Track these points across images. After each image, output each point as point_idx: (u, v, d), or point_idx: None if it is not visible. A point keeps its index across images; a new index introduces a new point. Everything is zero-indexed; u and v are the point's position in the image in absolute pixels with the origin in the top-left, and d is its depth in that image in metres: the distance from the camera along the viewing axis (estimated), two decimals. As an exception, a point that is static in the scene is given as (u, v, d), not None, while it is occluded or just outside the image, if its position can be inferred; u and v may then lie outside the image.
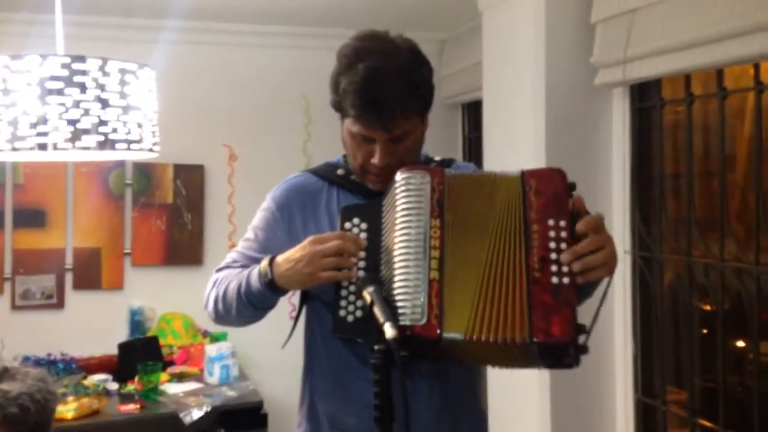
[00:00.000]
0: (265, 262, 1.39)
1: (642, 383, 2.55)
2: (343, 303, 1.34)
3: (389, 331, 1.14)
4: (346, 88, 1.38)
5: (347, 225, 1.38)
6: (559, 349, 1.25)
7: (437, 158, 1.56)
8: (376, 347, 1.16)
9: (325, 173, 1.53)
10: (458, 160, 1.61)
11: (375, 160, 1.41)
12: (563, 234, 1.28)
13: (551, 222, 1.28)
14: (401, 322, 1.21)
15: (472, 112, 3.82)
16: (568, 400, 2.56)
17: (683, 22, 2.11)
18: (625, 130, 2.56)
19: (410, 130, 1.41)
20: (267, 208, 1.55)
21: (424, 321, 1.22)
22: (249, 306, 1.43)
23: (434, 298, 1.24)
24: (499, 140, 2.86)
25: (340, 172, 1.52)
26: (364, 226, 1.37)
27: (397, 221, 1.30)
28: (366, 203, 1.42)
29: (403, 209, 1.30)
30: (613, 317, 2.59)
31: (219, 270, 1.56)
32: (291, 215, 1.50)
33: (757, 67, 2.03)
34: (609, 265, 1.29)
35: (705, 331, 2.31)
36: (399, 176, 1.33)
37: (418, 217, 1.28)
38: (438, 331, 1.22)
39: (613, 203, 2.60)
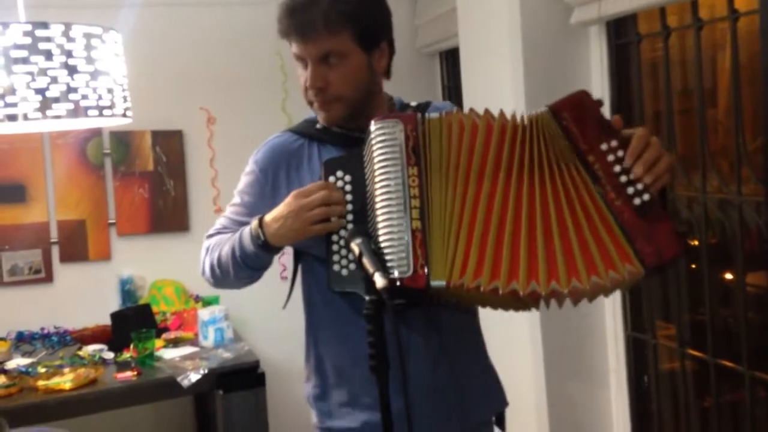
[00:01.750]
0: (254, 224, 1.39)
1: (631, 319, 2.58)
2: (335, 257, 1.34)
3: (380, 280, 1.14)
4: (281, 2, 1.39)
5: (331, 179, 1.37)
6: (675, 262, 1.23)
7: (413, 103, 1.53)
8: (367, 297, 1.16)
9: (304, 129, 1.52)
10: (435, 101, 1.57)
11: (303, 80, 1.40)
12: (620, 153, 1.23)
13: (604, 147, 1.24)
14: (389, 275, 1.21)
15: (450, 61, 3.78)
16: (559, 339, 2.60)
17: (656, -47, 2.07)
18: (603, 67, 2.54)
19: (340, 50, 1.37)
20: (250, 171, 1.54)
21: (410, 272, 1.23)
22: (245, 267, 1.43)
23: (418, 248, 1.23)
24: (478, 87, 2.84)
25: (319, 126, 1.49)
26: (348, 178, 1.36)
27: (376, 173, 1.28)
28: (347, 154, 1.40)
29: (379, 160, 1.28)
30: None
31: (209, 236, 1.57)
32: (275, 175, 1.49)
33: (731, -6, 2.01)
34: (672, 168, 1.25)
35: (693, 266, 2.34)
36: (372, 126, 1.31)
37: (395, 167, 1.26)
38: (424, 281, 1.22)
39: (594, 142, 2.60)
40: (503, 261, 1.22)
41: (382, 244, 1.25)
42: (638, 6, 2.23)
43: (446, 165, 1.28)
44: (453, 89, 3.80)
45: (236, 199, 1.56)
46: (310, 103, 1.45)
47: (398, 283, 1.22)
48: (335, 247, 1.35)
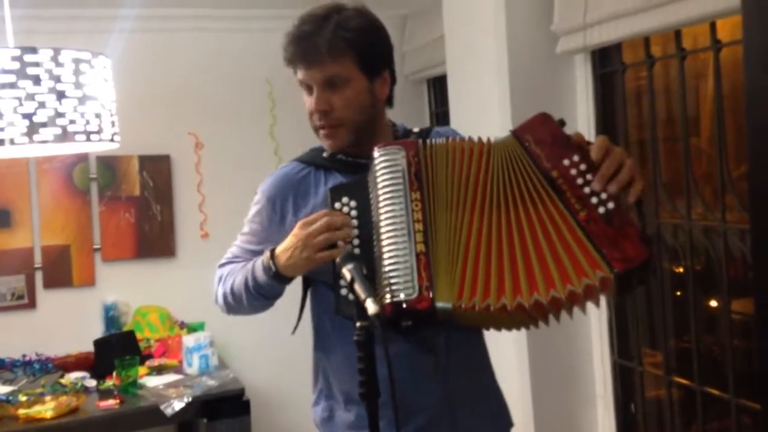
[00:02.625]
0: (266, 255, 1.43)
1: (618, 346, 2.59)
2: (342, 282, 1.35)
3: (371, 306, 1.14)
4: (287, 33, 1.43)
5: (337, 205, 1.39)
6: (643, 267, 1.25)
7: (416, 129, 1.56)
8: (358, 324, 1.16)
9: (311, 158, 1.55)
10: (437, 127, 1.61)
11: (308, 105, 1.44)
12: (582, 167, 1.29)
13: (566, 162, 1.30)
14: (395, 298, 1.24)
15: (438, 87, 3.81)
16: (546, 365, 2.59)
17: (640, -15, 2.11)
18: (589, 95, 2.57)
19: (344, 75, 1.41)
20: (258, 201, 1.57)
21: (415, 294, 1.24)
22: (259, 297, 1.48)
23: (423, 270, 1.26)
24: (466, 113, 2.87)
25: (325, 154, 1.52)
26: (353, 204, 1.38)
27: (380, 198, 1.32)
28: (352, 181, 1.43)
29: (383, 185, 1.32)
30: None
31: (222, 266, 1.62)
32: (282, 204, 1.51)
33: (713, 26, 2.05)
34: (639, 176, 1.28)
35: (678, 293, 2.35)
36: (375, 153, 1.35)
37: (398, 192, 1.30)
38: (430, 303, 1.24)
39: (580, 169, 2.62)
40: (505, 280, 1.27)
41: (387, 267, 1.27)
42: (623, 36, 2.26)
43: (445, 190, 1.32)
44: (441, 116, 3.83)
45: (245, 229, 1.60)
46: (316, 130, 1.48)
47: (404, 306, 1.24)
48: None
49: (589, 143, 1.32)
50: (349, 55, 1.41)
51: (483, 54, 2.67)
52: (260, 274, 1.43)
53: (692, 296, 2.24)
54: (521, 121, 2.43)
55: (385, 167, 1.32)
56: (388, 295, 1.26)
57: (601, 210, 1.26)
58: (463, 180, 1.32)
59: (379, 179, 1.32)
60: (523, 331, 2.47)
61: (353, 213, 1.37)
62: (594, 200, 1.27)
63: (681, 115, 2.21)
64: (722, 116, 2.06)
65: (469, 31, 2.76)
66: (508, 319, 1.34)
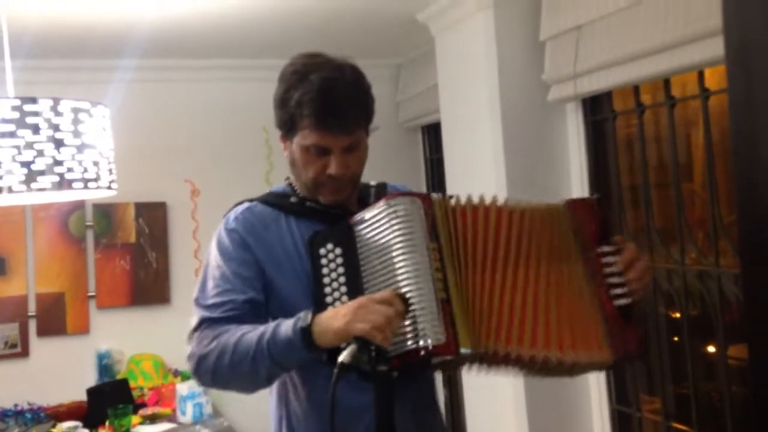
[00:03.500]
0: (305, 314, 1.29)
1: (616, 392, 2.57)
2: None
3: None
4: (301, 99, 1.39)
5: (321, 251, 1.37)
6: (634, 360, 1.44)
7: (373, 183, 1.58)
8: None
9: (278, 201, 1.52)
10: (390, 183, 1.63)
11: (332, 170, 1.42)
12: (612, 259, 1.40)
13: (603, 249, 1.40)
14: (422, 343, 1.24)
15: (432, 134, 3.86)
16: (545, 413, 2.57)
17: (627, 35, 2.17)
18: (581, 142, 2.61)
19: (361, 139, 1.46)
20: (231, 235, 1.48)
21: (443, 340, 1.25)
22: (273, 364, 1.31)
23: (446, 317, 1.27)
24: (460, 160, 2.90)
25: (293, 200, 1.51)
26: (338, 251, 1.37)
27: (396, 246, 1.30)
28: (335, 228, 1.41)
29: (400, 234, 1.30)
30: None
31: (208, 321, 1.40)
32: (257, 238, 1.46)
33: (701, 74, 2.09)
34: (649, 284, 1.45)
35: (675, 338, 2.34)
36: (384, 203, 1.34)
37: (417, 241, 1.30)
38: (455, 348, 1.26)
39: (574, 215, 2.64)
40: (526, 332, 1.33)
41: (416, 313, 1.26)
42: (612, 84, 2.31)
43: (458, 245, 1.35)
44: (435, 162, 3.87)
45: (224, 271, 1.45)
46: (317, 187, 1.47)
47: (431, 349, 1.25)
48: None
49: (624, 243, 1.44)
50: (364, 121, 1.47)
51: (476, 102, 2.71)
52: (286, 333, 1.28)
53: (688, 342, 2.24)
54: (514, 167, 2.50)
55: (400, 215, 1.32)
56: (416, 341, 1.25)
57: (620, 302, 1.38)
58: (491, 236, 1.37)
59: (394, 226, 1.31)
60: (521, 378, 2.48)
61: (339, 260, 1.37)
62: (617, 291, 1.39)
63: (672, 161, 2.24)
64: (713, 162, 2.09)
65: (462, 79, 2.82)
66: (515, 368, 1.38)
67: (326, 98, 1.39)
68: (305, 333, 1.26)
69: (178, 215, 3.62)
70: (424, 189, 3.88)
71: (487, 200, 1.40)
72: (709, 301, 2.17)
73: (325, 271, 1.37)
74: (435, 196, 1.37)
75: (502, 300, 1.34)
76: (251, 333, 1.32)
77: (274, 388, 1.52)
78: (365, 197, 1.52)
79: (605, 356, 1.36)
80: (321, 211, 1.48)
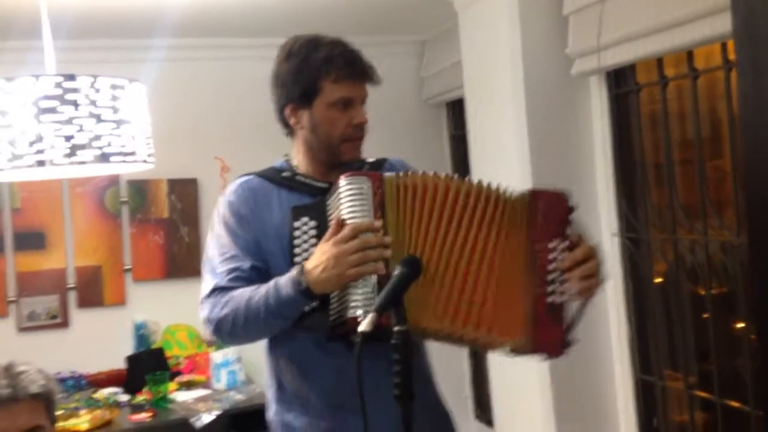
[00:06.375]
0: (296, 270, 1.43)
1: (639, 362, 2.60)
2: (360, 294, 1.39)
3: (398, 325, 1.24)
4: (326, 57, 1.54)
5: (296, 224, 1.50)
6: (550, 357, 1.48)
7: (370, 159, 1.67)
8: (396, 328, 1.22)
9: (271, 176, 1.65)
10: (390, 158, 1.72)
11: (358, 119, 1.56)
12: (562, 256, 1.43)
13: (552, 244, 1.44)
14: (352, 314, 1.34)
15: (456, 111, 3.90)
16: (569, 382, 2.61)
17: (651, 7, 2.18)
18: (604, 116, 2.64)
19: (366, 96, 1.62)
20: (229, 207, 1.61)
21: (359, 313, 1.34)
22: (278, 317, 1.46)
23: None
24: (483, 136, 2.94)
25: (285, 174, 1.64)
26: (312, 224, 1.49)
27: (345, 221, 1.40)
28: (313, 203, 1.53)
29: (348, 211, 1.41)
30: (607, 300, 2.65)
31: (222, 289, 1.54)
32: (254, 206, 1.60)
33: (724, 46, 2.10)
34: (597, 288, 1.45)
35: (701, 313, 2.36)
36: (342, 180, 1.43)
37: (363, 216, 1.40)
38: (388, 322, 1.26)
39: (597, 188, 2.67)
40: (461, 311, 1.41)
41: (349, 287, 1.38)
42: (636, 57, 2.32)
43: (405, 221, 1.42)
44: (459, 138, 3.91)
45: (225, 240, 1.58)
46: (345, 141, 1.58)
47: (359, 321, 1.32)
48: (362, 290, 1.40)
49: (580, 242, 1.46)
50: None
51: (499, 77, 2.75)
52: (287, 290, 1.42)
53: (712, 312, 2.27)
54: (538, 143, 2.57)
55: (351, 194, 1.41)
56: (342, 314, 1.38)
57: (552, 299, 1.42)
58: (437, 213, 1.42)
59: (344, 202, 1.41)
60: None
61: (311, 233, 1.48)
62: (551, 288, 1.42)
63: (695, 134, 2.26)
64: (736, 136, 2.10)
65: (485, 55, 2.85)
66: (449, 341, 1.47)
67: (346, 53, 1.56)
68: (307, 291, 1.41)
69: (209, 191, 3.71)
70: (448, 166, 3.93)
71: (443, 177, 1.46)
72: (731, 272, 2.20)
73: (297, 242, 1.50)
74: (388, 175, 1.45)
75: (435, 274, 1.40)
76: (256, 296, 1.47)
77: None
78: (360, 168, 1.62)
79: (519, 345, 1.42)
80: (309, 185, 1.60)
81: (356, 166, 1.60)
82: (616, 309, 2.64)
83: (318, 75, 1.55)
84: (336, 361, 1.51)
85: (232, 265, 1.54)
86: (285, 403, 1.61)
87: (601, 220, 2.66)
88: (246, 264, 1.53)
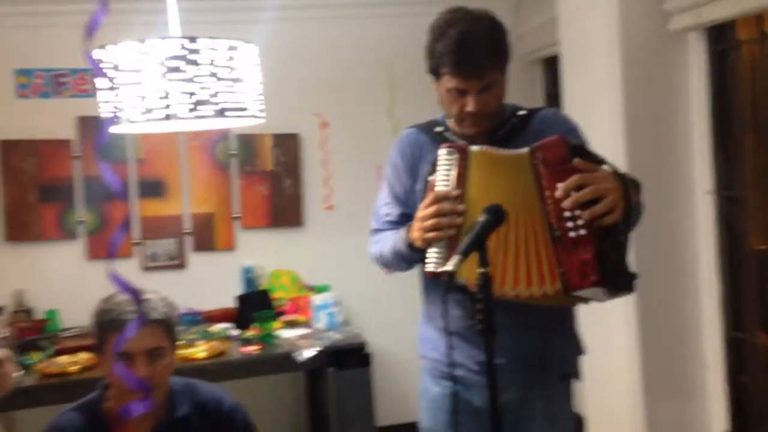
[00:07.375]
0: (405, 229, 1.71)
1: (730, 319, 2.60)
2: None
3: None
4: (443, 50, 1.65)
5: (430, 178, 1.66)
6: (593, 289, 1.50)
7: (522, 112, 1.79)
8: (480, 270, 1.40)
9: (428, 129, 1.84)
10: (543, 110, 1.83)
11: (470, 108, 1.68)
12: (572, 193, 1.49)
13: (560, 185, 1.50)
14: (428, 269, 1.58)
15: (551, 68, 3.90)
16: (656, 336, 2.65)
17: (753, -39, 2.15)
18: (702, 73, 2.60)
19: (495, 80, 1.69)
20: (391, 156, 1.87)
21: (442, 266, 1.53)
22: (402, 261, 1.79)
23: (452, 250, 1.52)
24: (578, 93, 2.96)
25: (438, 129, 1.81)
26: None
27: (436, 186, 1.61)
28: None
29: (439, 179, 1.61)
30: (698, 257, 2.66)
31: (377, 231, 1.88)
32: (410, 158, 1.82)
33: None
34: (615, 210, 1.48)
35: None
36: (440, 150, 1.63)
37: (447, 184, 1.59)
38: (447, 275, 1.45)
39: (694, 145, 2.65)
40: (508, 274, 1.56)
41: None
42: (737, 12, 2.29)
43: (479, 192, 1.58)
44: (553, 96, 3.91)
45: (385, 188, 1.87)
46: (461, 121, 1.73)
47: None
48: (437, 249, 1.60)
49: (594, 168, 1.51)
50: (500, 64, 1.69)
51: (595, 34, 2.75)
52: (401, 246, 1.72)
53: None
54: (633, 100, 2.63)
55: (442, 163, 1.61)
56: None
57: (572, 234, 1.49)
58: (497, 186, 1.58)
59: (437, 172, 1.61)
60: (633, 306, 2.58)
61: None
62: (569, 224, 1.49)
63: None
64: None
65: (581, 11, 2.85)
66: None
67: (460, 50, 1.64)
68: (412, 246, 1.67)
69: (309, 146, 3.92)
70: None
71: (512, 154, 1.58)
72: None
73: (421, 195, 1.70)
74: (474, 148, 1.60)
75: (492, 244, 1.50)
76: (390, 242, 1.78)
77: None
78: (498, 129, 1.75)
79: (557, 288, 1.51)
80: (451, 141, 1.74)
81: (507, 117, 1.76)
82: (707, 266, 2.65)
83: (439, 63, 1.68)
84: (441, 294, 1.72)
85: (385, 211, 1.86)
86: (425, 319, 1.87)
87: (695, 178, 2.65)
88: (396, 210, 1.82)
